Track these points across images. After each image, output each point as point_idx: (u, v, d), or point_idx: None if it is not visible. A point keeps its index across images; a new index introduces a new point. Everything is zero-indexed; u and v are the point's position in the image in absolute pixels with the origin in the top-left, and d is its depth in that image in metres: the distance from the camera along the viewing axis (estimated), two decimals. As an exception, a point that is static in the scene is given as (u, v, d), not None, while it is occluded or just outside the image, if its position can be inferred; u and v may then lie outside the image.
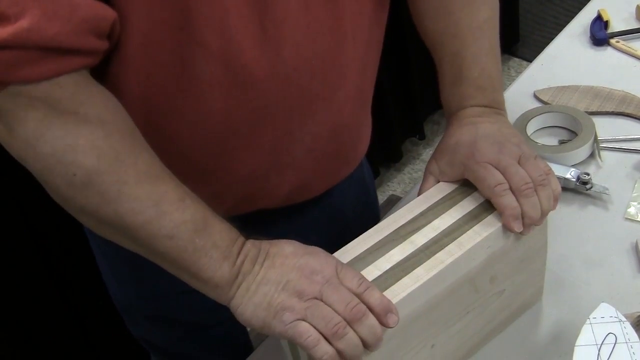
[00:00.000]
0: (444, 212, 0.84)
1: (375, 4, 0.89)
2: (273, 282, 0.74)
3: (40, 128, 0.69)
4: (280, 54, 0.80)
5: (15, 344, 1.49)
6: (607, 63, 1.34)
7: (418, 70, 2.19)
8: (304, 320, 0.72)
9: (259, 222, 0.95)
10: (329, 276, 0.74)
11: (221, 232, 0.75)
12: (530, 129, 1.19)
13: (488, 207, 0.84)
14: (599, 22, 1.39)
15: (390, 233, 0.83)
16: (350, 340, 0.72)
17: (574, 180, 1.09)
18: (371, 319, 0.73)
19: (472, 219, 0.84)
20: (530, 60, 1.44)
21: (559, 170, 1.10)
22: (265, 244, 0.77)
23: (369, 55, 0.93)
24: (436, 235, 0.82)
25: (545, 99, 1.27)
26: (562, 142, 1.18)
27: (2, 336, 1.46)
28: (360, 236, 0.83)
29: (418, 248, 0.81)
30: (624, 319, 0.82)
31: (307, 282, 0.73)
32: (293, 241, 0.78)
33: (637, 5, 1.41)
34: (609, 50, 1.36)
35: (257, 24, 0.77)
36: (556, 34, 1.44)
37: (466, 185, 0.87)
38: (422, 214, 0.85)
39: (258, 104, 0.83)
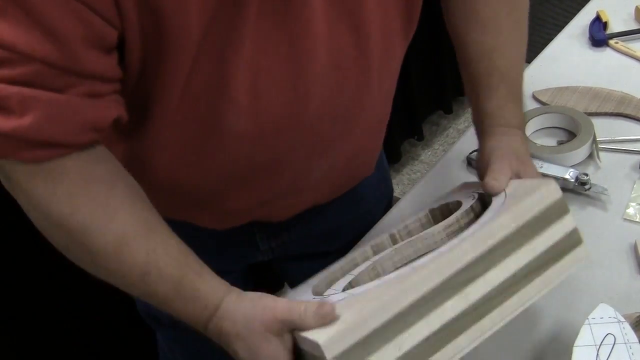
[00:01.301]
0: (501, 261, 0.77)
1: (404, 43, 0.91)
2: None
3: (29, 189, 0.76)
4: (307, 110, 0.84)
5: (16, 325, 1.49)
6: (606, 64, 1.34)
7: (417, 72, 2.19)
8: None
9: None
10: None
11: (181, 310, 0.80)
12: (529, 129, 1.20)
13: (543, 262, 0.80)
14: (598, 23, 1.39)
15: (444, 280, 0.74)
16: None
17: (573, 180, 1.09)
18: None
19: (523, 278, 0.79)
20: (529, 61, 1.44)
21: (558, 171, 1.10)
22: (223, 339, 0.80)
23: (392, 88, 0.97)
24: (489, 292, 0.76)
25: (544, 99, 1.27)
26: (560, 143, 1.18)
27: (5, 314, 1.46)
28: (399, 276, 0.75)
29: (470, 306, 0.75)
30: (622, 319, 0.82)
31: None
32: (247, 342, 0.78)
33: (636, 6, 1.41)
34: (607, 51, 1.36)
35: (289, 84, 0.80)
36: (555, 35, 1.44)
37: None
38: (479, 259, 0.76)
39: (280, 150, 0.88)
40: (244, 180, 0.92)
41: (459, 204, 0.90)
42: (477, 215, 0.85)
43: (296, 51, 0.78)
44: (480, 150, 0.95)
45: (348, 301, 0.74)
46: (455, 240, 0.77)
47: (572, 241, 0.83)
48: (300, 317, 0.75)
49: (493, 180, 0.86)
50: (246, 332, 0.78)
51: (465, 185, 0.97)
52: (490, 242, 0.76)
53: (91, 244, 0.77)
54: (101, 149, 0.78)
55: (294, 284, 0.99)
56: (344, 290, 0.80)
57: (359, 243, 1.01)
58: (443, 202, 0.94)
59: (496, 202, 0.83)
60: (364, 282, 0.80)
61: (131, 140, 0.86)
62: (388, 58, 0.89)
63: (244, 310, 0.79)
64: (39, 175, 0.74)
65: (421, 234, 0.85)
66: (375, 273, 0.83)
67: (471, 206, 0.86)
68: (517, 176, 0.88)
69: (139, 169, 0.84)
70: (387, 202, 1.23)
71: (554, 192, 0.81)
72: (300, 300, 0.77)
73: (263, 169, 0.91)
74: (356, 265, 0.88)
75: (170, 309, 0.81)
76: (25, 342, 1.50)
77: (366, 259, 0.89)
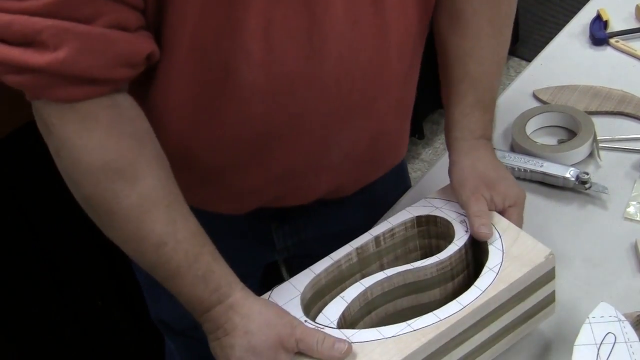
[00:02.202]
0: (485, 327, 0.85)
1: (419, 19, 0.91)
2: (216, 356, 0.81)
3: (63, 134, 0.75)
4: (323, 67, 0.83)
5: (21, 328, 1.49)
6: (607, 63, 1.34)
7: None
8: None
9: (298, 208, 1.02)
10: None
11: (189, 287, 0.79)
12: (530, 128, 1.19)
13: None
14: (599, 22, 1.39)
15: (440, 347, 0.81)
16: None
17: (573, 179, 1.09)
18: None
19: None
20: (529, 59, 1.44)
21: (558, 170, 1.10)
22: (224, 329, 0.80)
23: (412, 68, 0.96)
24: (470, 350, 0.84)
25: (544, 98, 1.27)
26: (561, 142, 1.18)
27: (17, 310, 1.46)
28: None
29: None
30: (623, 318, 0.82)
31: None
32: (252, 345, 0.79)
33: (637, 5, 1.41)
34: (608, 50, 1.36)
35: (304, 37, 0.79)
36: (556, 34, 1.44)
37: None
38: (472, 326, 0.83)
39: (296, 111, 0.86)
40: (259, 150, 0.90)
41: (447, 224, 0.92)
42: (467, 250, 0.90)
43: (310, 0, 0.77)
44: (450, 172, 0.96)
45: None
46: (453, 306, 0.81)
47: (548, 300, 0.90)
48: (317, 344, 0.78)
49: (482, 226, 0.88)
50: (258, 334, 0.78)
51: (451, 192, 0.96)
52: (485, 312, 0.83)
53: (114, 203, 0.76)
54: (133, 105, 0.78)
55: None
56: (338, 324, 0.83)
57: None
58: (430, 208, 0.94)
59: (493, 258, 0.87)
60: (357, 316, 0.86)
61: (142, 102, 0.82)
62: (405, 32, 0.88)
63: (261, 312, 0.79)
64: (72, 119, 0.73)
65: (413, 267, 0.87)
66: (365, 300, 0.87)
67: (464, 244, 0.89)
68: (490, 202, 0.92)
69: None
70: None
71: (549, 263, 0.86)
72: (288, 310, 0.82)
73: (279, 136, 0.88)
74: (339, 267, 0.89)
75: (175, 285, 0.79)
76: (31, 345, 1.50)
77: (350, 261, 0.90)
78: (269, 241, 1.10)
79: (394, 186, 1.16)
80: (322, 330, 0.81)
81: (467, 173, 0.94)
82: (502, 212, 0.93)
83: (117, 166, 0.75)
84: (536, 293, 0.88)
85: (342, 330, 0.81)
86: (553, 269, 0.88)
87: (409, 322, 0.80)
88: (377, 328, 0.81)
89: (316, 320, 0.83)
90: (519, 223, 0.93)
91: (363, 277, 0.90)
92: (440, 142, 2.45)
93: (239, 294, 0.80)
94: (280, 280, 1.31)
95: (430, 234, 0.94)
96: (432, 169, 1.20)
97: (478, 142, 0.96)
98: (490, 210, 0.91)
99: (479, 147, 0.96)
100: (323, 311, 0.84)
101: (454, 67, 0.96)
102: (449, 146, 0.98)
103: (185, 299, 0.80)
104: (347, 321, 0.85)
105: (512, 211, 0.93)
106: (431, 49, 1.00)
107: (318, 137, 0.91)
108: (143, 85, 0.83)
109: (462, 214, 0.92)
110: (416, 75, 1.00)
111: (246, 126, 0.86)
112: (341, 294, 0.85)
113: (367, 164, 1.02)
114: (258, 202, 1.00)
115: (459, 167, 0.95)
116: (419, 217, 0.93)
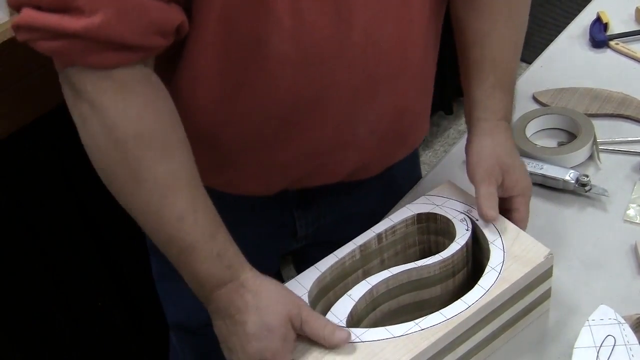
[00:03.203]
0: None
1: (436, 9, 0.94)
2: (222, 336, 0.84)
3: (95, 100, 0.76)
4: (350, 37, 0.84)
5: (25, 323, 1.49)
6: (607, 65, 1.34)
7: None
8: None
9: (319, 191, 1.04)
10: (279, 357, 0.81)
11: (203, 262, 0.81)
12: (530, 130, 1.20)
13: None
14: (599, 24, 1.39)
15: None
16: None
17: (573, 182, 1.09)
18: None
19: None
20: (529, 62, 1.44)
21: (558, 172, 1.10)
22: (236, 306, 0.82)
23: (430, 42, 0.97)
24: (472, 347, 0.87)
25: (544, 100, 1.27)
26: (561, 144, 1.18)
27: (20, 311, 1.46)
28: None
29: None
30: (623, 321, 0.82)
31: (234, 358, 0.83)
32: (262, 311, 0.81)
33: (637, 7, 1.41)
34: (608, 52, 1.36)
35: (332, 7, 0.82)
36: (555, 36, 1.44)
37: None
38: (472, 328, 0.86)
39: (324, 83, 0.87)
40: (287, 124, 0.91)
41: (446, 222, 0.94)
42: (468, 248, 0.92)
43: None
44: (467, 149, 0.98)
45: (360, 349, 0.81)
46: (458, 305, 0.84)
47: (545, 297, 0.93)
48: (320, 329, 0.81)
49: (490, 209, 0.91)
50: (270, 311, 0.81)
51: (450, 188, 0.98)
52: (489, 310, 0.85)
53: (142, 172, 0.78)
54: (162, 85, 0.80)
55: None
56: (347, 322, 0.84)
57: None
58: (430, 206, 0.95)
59: (494, 257, 0.89)
60: (362, 313, 0.88)
61: (168, 83, 0.83)
62: (424, 7, 0.91)
63: (271, 290, 0.82)
64: (108, 87, 0.75)
65: (417, 266, 0.89)
66: (370, 297, 0.88)
67: (465, 243, 0.91)
68: (500, 186, 0.94)
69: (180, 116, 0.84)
70: (417, 180, 1.24)
71: (548, 262, 0.89)
72: None
73: (307, 110, 0.89)
74: (343, 265, 0.91)
75: (189, 261, 0.81)
76: (31, 345, 1.51)
77: (353, 258, 0.91)
78: (291, 229, 1.11)
79: (408, 173, 1.19)
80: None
81: (486, 153, 0.95)
82: (509, 200, 0.95)
83: (151, 138, 0.77)
84: (534, 291, 0.90)
85: (351, 329, 0.83)
86: (551, 268, 0.90)
87: (416, 321, 0.82)
88: (386, 327, 0.82)
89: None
90: (525, 213, 0.96)
91: (365, 272, 0.93)
92: (439, 145, 2.45)
93: (250, 273, 0.83)
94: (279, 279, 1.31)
95: (430, 230, 0.96)
96: (432, 171, 1.20)
97: (500, 123, 0.97)
98: (498, 195, 0.93)
99: (501, 130, 0.97)
100: (331, 309, 0.85)
101: (473, 49, 0.98)
102: (471, 127, 0.99)
103: (196, 276, 0.82)
104: (354, 318, 0.87)
105: (520, 200, 0.95)
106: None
107: (345, 111, 0.92)
108: (170, 63, 0.85)
109: (462, 212, 0.94)
110: (436, 55, 1.01)
111: (275, 99, 0.87)
112: (348, 293, 0.87)
113: (392, 142, 1.03)
114: (284, 182, 1.00)
115: (479, 145, 0.96)
116: (419, 215, 0.95)
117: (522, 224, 0.95)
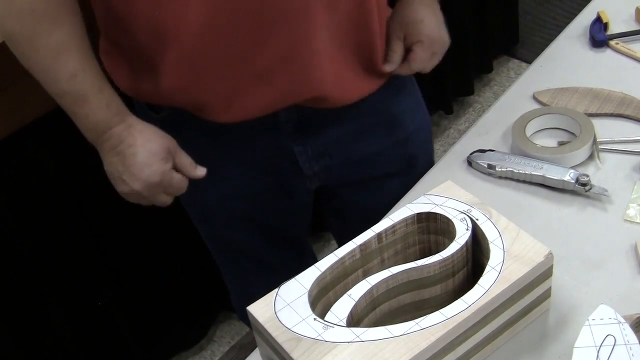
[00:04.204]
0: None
1: None
2: (118, 172, 1.02)
3: None
4: None
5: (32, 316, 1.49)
6: (607, 65, 1.34)
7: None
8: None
9: (313, 119, 1.11)
10: (158, 190, 1.03)
11: (95, 112, 0.98)
12: (530, 130, 1.20)
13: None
14: (599, 24, 1.39)
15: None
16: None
17: (573, 181, 1.09)
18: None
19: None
20: (529, 61, 1.44)
21: (558, 172, 1.10)
22: (128, 139, 1.00)
23: None
24: (472, 347, 0.88)
25: (544, 100, 1.27)
26: (561, 144, 1.18)
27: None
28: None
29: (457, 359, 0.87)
30: (623, 320, 0.82)
31: (140, 189, 1.02)
32: (149, 145, 1.01)
33: (637, 7, 1.41)
34: (608, 52, 1.36)
35: None
36: (556, 36, 1.44)
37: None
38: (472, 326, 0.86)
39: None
40: (252, 35, 0.96)
41: (446, 221, 0.94)
42: (468, 248, 0.92)
43: None
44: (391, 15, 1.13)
45: (360, 348, 0.81)
46: (458, 304, 0.84)
47: (545, 296, 0.93)
48: (186, 159, 1.05)
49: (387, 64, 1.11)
50: (154, 142, 1.01)
51: (450, 188, 0.98)
52: (489, 310, 0.86)
53: (38, 40, 0.93)
54: None
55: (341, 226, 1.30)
56: (347, 322, 0.85)
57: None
58: (430, 205, 0.96)
59: (494, 256, 0.89)
60: (362, 313, 0.88)
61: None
62: None
63: (151, 128, 1.02)
64: None
65: (417, 265, 0.89)
66: (370, 297, 0.89)
67: (465, 242, 0.91)
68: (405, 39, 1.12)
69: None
70: (427, 132, 1.28)
71: (548, 261, 0.89)
72: (296, 308, 0.85)
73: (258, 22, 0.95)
74: (344, 264, 0.91)
75: (82, 110, 0.97)
76: (31, 345, 1.51)
77: (353, 257, 0.92)
78: (296, 167, 1.15)
79: (412, 114, 1.22)
80: (331, 327, 0.83)
81: (399, 15, 1.12)
82: (409, 48, 1.11)
83: (43, 12, 0.91)
84: (534, 290, 0.90)
85: (351, 328, 0.83)
86: (551, 268, 0.90)
87: (416, 320, 0.83)
88: (386, 327, 0.82)
89: (325, 318, 0.85)
90: (422, 60, 1.12)
91: (365, 272, 0.93)
92: (439, 145, 2.46)
93: (134, 118, 1.01)
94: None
95: (430, 230, 0.96)
96: (431, 170, 1.20)
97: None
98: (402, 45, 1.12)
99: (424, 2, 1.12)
100: (332, 309, 0.86)
101: None
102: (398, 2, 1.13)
103: (89, 122, 0.99)
104: (354, 318, 0.87)
105: (417, 46, 1.11)
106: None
107: (302, 20, 0.97)
108: None
109: (462, 212, 0.94)
110: None
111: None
112: (348, 292, 0.87)
113: (359, 48, 1.07)
114: (271, 99, 1.05)
115: (397, 11, 1.13)
116: (419, 214, 0.95)
117: (413, 65, 1.13)
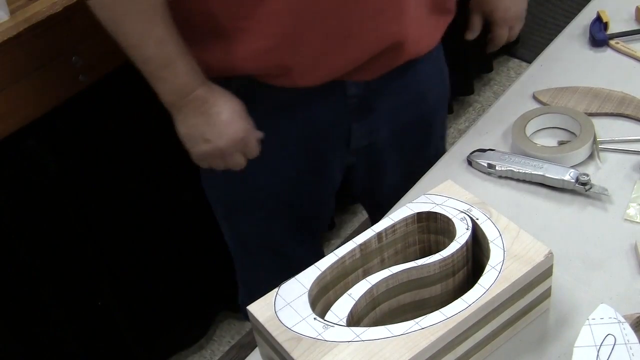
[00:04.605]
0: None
1: None
2: (199, 132, 1.07)
3: None
4: None
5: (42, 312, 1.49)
6: (607, 64, 1.34)
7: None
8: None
9: (379, 96, 1.17)
10: (235, 150, 1.08)
11: (182, 76, 1.03)
12: (530, 130, 1.20)
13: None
14: (599, 23, 1.39)
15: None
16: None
17: (573, 181, 1.09)
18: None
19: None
20: (529, 61, 1.44)
21: (558, 172, 1.10)
22: (211, 99, 1.05)
23: None
24: (472, 346, 0.88)
25: (544, 100, 1.27)
26: (561, 143, 1.18)
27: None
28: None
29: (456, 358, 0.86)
30: (623, 320, 0.82)
31: (218, 149, 1.07)
32: (233, 107, 1.06)
33: (637, 7, 1.41)
34: (608, 52, 1.36)
35: None
36: (555, 35, 1.44)
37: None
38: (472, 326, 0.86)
39: None
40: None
41: (446, 221, 0.94)
42: (468, 247, 0.92)
43: None
44: None
45: (360, 348, 0.81)
46: (458, 304, 0.84)
47: (545, 296, 0.93)
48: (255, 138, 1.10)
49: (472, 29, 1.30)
50: (234, 102, 1.07)
51: (450, 188, 0.98)
52: (489, 309, 0.86)
53: (129, 5, 0.98)
54: None
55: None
56: (347, 321, 0.85)
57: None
58: (430, 205, 0.96)
59: (494, 256, 0.89)
60: (363, 312, 0.88)
61: None
62: None
63: (231, 94, 1.08)
64: None
65: (417, 265, 0.89)
66: (371, 297, 0.89)
67: (465, 242, 0.91)
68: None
69: None
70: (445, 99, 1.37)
71: (548, 261, 0.89)
72: (296, 307, 0.85)
73: None
74: (344, 264, 0.91)
75: (166, 73, 1.02)
76: (31, 345, 1.51)
77: (353, 257, 0.92)
78: (343, 140, 1.20)
79: (435, 79, 1.30)
80: (331, 327, 0.83)
81: None
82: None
83: None
84: (534, 290, 0.91)
85: (351, 328, 0.83)
86: (551, 267, 0.90)
87: (416, 320, 0.83)
88: (386, 326, 0.82)
89: (325, 318, 0.85)
90: (502, 37, 1.31)
91: (365, 271, 0.93)
92: (440, 143, 2.46)
93: (214, 83, 1.07)
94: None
95: (430, 229, 0.96)
96: (432, 169, 1.20)
97: None
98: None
99: None
100: (332, 309, 0.86)
101: None
102: None
103: (175, 85, 1.03)
104: (354, 318, 0.87)
105: (495, 26, 1.30)
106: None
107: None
108: None
109: (462, 211, 0.94)
110: None
111: None
112: (348, 292, 0.87)
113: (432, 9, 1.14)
114: (355, 56, 1.08)
115: None
116: (419, 214, 0.95)
117: (495, 43, 1.31)
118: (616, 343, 0.79)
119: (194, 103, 1.05)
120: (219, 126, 1.06)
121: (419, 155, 1.32)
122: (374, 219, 1.02)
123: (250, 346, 1.55)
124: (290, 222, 1.31)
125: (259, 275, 1.40)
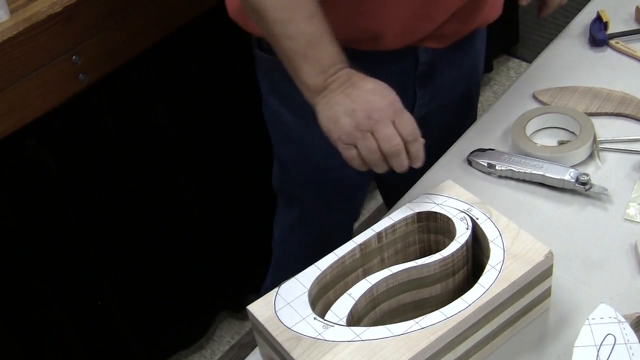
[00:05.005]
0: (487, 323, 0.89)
1: None
2: (344, 106, 0.96)
3: None
4: None
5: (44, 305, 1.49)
6: (607, 64, 1.34)
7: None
8: (354, 145, 0.96)
9: (443, 65, 1.22)
10: (385, 117, 0.95)
11: (329, 53, 0.98)
12: (530, 129, 1.20)
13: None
14: (599, 23, 1.39)
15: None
16: (383, 168, 0.96)
17: (573, 181, 1.09)
18: (403, 158, 0.95)
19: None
20: (529, 61, 1.44)
21: (558, 171, 1.10)
22: (356, 76, 0.98)
23: None
24: (472, 346, 0.88)
25: (544, 99, 1.27)
26: (561, 143, 1.18)
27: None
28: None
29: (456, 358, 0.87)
30: (623, 319, 0.82)
31: (366, 117, 0.95)
32: (379, 82, 0.98)
33: (637, 6, 1.41)
34: (608, 51, 1.36)
35: None
36: (555, 35, 1.44)
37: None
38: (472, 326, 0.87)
39: None
40: None
41: (446, 221, 0.94)
42: (468, 247, 0.92)
43: None
44: None
45: (361, 348, 0.81)
46: (458, 304, 0.84)
47: (545, 295, 0.93)
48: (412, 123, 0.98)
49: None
50: (379, 83, 0.98)
51: (451, 187, 0.98)
52: (489, 309, 0.86)
53: None
54: None
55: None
56: (347, 321, 0.85)
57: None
58: (430, 204, 0.96)
59: (494, 255, 0.89)
60: (363, 312, 0.88)
61: None
62: None
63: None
64: None
65: (417, 264, 0.89)
66: (371, 296, 0.89)
67: (465, 241, 0.91)
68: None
69: None
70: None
71: (548, 261, 0.89)
72: (296, 307, 0.85)
73: None
74: (344, 263, 0.91)
75: (318, 49, 0.98)
76: (31, 345, 1.51)
77: (353, 257, 0.92)
78: (411, 107, 1.22)
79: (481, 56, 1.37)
80: (331, 326, 0.83)
81: None
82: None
83: None
84: (534, 289, 0.91)
85: (351, 327, 0.83)
86: (551, 267, 0.90)
87: (416, 319, 0.83)
88: (386, 326, 0.82)
89: (325, 317, 0.85)
90: (553, 4, 1.28)
91: (365, 271, 0.93)
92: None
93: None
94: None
95: (430, 229, 0.97)
96: (431, 169, 1.20)
97: None
98: None
99: None
100: (332, 308, 0.86)
101: None
102: None
103: (323, 62, 0.98)
104: (354, 317, 0.87)
105: None
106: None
107: None
108: None
109: (462, 211, 0.94)
110: None
111: None
112: (348, 292, 0.87)
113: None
114: (421, 29, 1.14)
115: None
116: (419, 213, 0.95)
117: (547, 11, 1.29)
118: (616, 343, 0.79)
119: (340, 79, 0.98)
120: (366, 94, 0.97)
121: (455, 131, 1.31)
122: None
123: (250, 346, 1.55)
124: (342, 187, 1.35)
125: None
